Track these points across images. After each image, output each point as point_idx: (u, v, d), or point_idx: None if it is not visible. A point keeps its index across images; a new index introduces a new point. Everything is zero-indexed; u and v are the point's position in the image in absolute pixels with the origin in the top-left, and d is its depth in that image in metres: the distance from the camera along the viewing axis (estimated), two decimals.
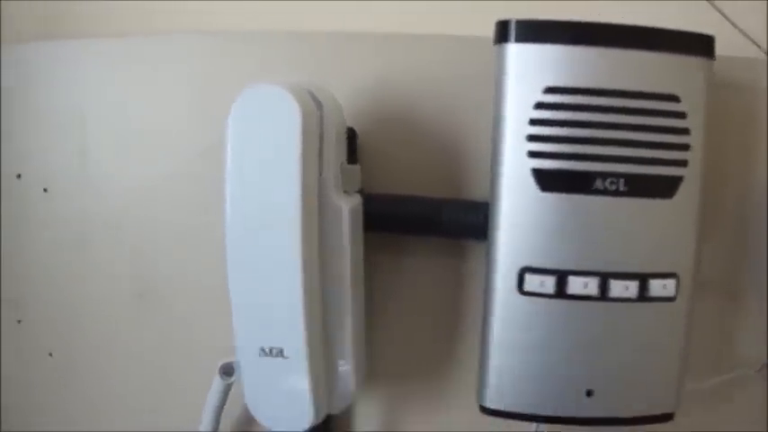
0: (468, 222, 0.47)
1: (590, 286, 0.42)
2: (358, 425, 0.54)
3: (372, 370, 0.51)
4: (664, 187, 0.42)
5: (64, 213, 0.54)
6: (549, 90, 0.41)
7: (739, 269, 0.52)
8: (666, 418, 0.45)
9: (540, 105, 0.41)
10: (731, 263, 0.52)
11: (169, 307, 0.54)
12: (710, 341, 0.52)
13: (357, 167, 0.47)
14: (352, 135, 0.48)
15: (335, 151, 0.44)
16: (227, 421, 0.51)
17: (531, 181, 0.42)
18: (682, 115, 0.41)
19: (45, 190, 0.54)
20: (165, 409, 0.55)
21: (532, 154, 0.41)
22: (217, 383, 0.48)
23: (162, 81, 0.53)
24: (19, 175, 0.55)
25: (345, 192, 0.45)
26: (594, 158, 0.41)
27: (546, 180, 0.41)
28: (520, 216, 0.42)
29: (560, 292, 0.42)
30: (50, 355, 0.56)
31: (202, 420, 0.49)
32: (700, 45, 0.42)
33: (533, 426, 0.47)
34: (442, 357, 0.53)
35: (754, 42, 0.50)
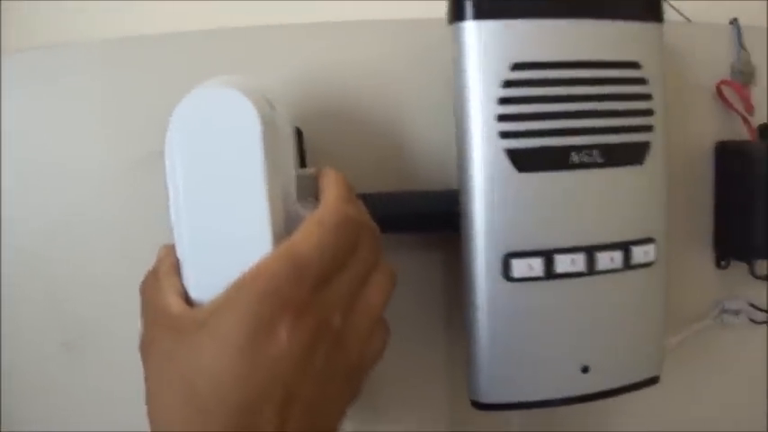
0: (437, 213, 0.45)
1: (577, 262, 0.41)
2: None
3: None
4: (634, 154, 0.42)
5: None
6: (517, 66, 0.39)
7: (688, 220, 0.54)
8: (653, 381, 0.45)
9: (508, 83, 0.39)
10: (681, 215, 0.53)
11: (100, 355, 0.48)
12: (672, 289, 0.53)
13: (312, 171, 0.43)
14: (299, 135, 0.44)
15: (291, 156, 0.40)
16: None
17: (506, 163, 0.40)
18: (643, 81, 0.41)
19: None
20: None
21: (505, 134, 0.40)
22: None
23: (67, 98, 0.46)
24: None
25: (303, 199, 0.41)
26: (568, 132, 0.40)
27: (522, 160, 0.40)
28: (499, 200, 0.40)
29: (549, 273, 0.41)
30: None
31: None
32: (650, 9, 0.42)
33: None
34: (420, 357, 0.50)
35: (676, 9, 0.51)
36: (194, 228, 0.36)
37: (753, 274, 0.53)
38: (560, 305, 0.41)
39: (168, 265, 0.36)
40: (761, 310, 0.54)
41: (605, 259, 0.41)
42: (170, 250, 0.36)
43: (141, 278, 0.37)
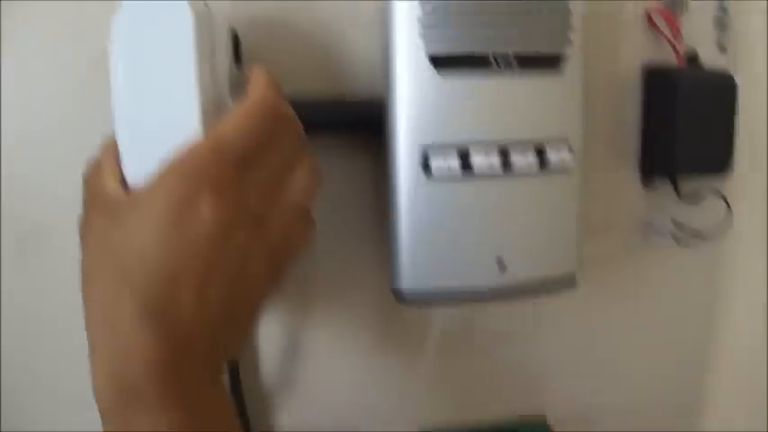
0: (364, 119, 0.48)
1: (493, 162, 0.44)
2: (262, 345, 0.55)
3: None
4: (553, 64, 0.44)
5: None
6: None
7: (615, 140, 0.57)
8: (570, 285, 0.48)
9: None
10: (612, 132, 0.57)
11: (55, 253, 0.50)
12: (596, 204, 0.56)
13: (246, 71, 0.46)
14: (236, 40, 0.47)
15: (226, 55, 0.43)
16: None
17: (428, 66, 0.43)
18: None
19: None
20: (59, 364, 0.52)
21: (427, 39, 0.42)
22: None
23: None
24: None
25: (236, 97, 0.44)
26: (489, 40, 0.43)
27: (443, 64, 0.43)
28: (420, 102, 0.43)
29: (465, 171, 0.44)
30: None
31: None
32: None
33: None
34: (349, 255, 0.53)
35: None
36: (132, 119, 0.39)
37: (677, 194, 0.56)
38: (477, 203, 0.44)
39: (109, 154, 0.39)
40: (685, 229, 0.58)
41: (520, 161, 0.44)
42: (112, 141, 0.39)
43: None
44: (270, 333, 0.53)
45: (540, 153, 0.45)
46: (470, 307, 0.56)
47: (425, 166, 0.44)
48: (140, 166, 0.37)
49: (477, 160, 0.44)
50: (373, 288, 0.53)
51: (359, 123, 0.49)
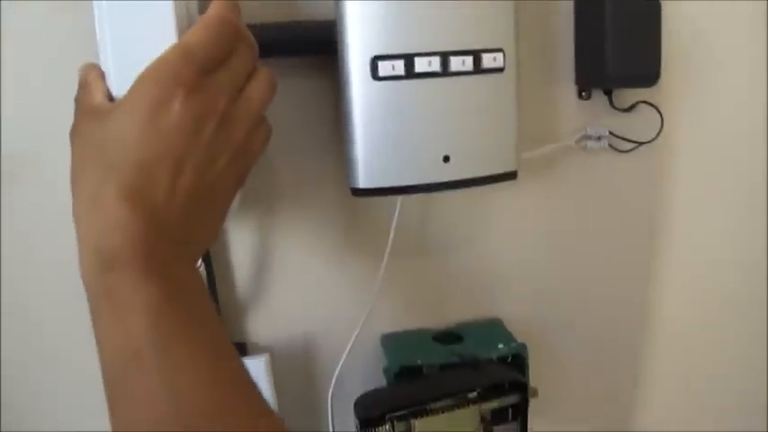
0: (320, 39, 0.52)
1: (433, 64, 0.49)
2: (234, 252, 0.59)
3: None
4: None
5: None
6: None
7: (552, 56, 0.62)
8: (511, 176, 0.54)
9: None
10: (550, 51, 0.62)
11: (42, 185, 0.55)
12: (538, 116, 0.61)
13: None
14: None
15: None
16: None
17: None
18: None
19: None
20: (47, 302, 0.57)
21: None
22: None
23: None
24: None
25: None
26: None
27: None
28: (368, 14, 0.48)
29: (409, 73, 0.49)
30: None
31: None
32: None
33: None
34: (311, 162, 0.58)
35: None
36: (116, 45, 0.43)
37: (612, 105, 0.62)
38: (421, 102, 0.50)
39: (95, 74, 0.44)
40: (621, 138, 0.63)
41: (457, 62, 0.49)
42: (94, 65, 0.45)
43: None
44: (241, 243, 0.59)
45: (476, 58, 0.50)
46: (423, 210, 0.61)
47: (374, 71, 0.49)
48: (123, 84, 0.42)
49: (419, 62, 0.49)
50: (335, 192, 0.58)
51: (316, 45, 0.54)
